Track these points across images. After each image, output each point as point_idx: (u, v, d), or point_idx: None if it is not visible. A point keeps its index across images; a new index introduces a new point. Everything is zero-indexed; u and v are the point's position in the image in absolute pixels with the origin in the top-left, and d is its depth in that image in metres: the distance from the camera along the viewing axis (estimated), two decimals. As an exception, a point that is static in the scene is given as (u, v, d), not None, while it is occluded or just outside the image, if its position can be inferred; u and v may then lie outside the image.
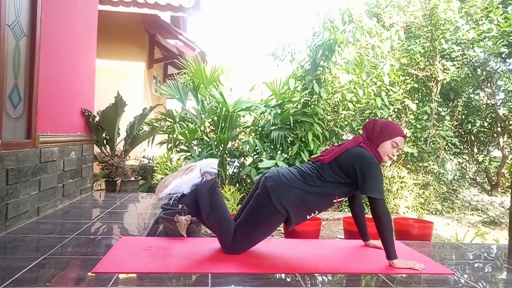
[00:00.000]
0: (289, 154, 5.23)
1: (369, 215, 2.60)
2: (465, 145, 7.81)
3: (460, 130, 7.44)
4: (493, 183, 7.72)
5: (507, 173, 7.53)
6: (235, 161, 5.48)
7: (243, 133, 5.74)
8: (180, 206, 2.91)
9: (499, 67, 6.54)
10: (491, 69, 6.84)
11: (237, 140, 5.59)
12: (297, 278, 1.95)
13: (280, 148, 5.13)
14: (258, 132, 5.39)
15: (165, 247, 2.39)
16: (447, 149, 6.64)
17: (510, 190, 5.36)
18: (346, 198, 2.46)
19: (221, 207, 2.27)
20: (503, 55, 6.66)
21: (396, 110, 6.61)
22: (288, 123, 4.99)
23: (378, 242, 2.60)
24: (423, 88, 6.98)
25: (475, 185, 8.00)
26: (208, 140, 5.22)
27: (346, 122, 5.61)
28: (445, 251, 2.77)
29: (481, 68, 6.86)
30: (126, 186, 4.80)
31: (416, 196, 6.15)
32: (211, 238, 2.99)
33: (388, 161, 2.33)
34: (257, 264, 2.12)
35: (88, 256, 2.16)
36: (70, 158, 3.74)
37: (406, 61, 6.55)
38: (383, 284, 1.95)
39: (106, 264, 1.99)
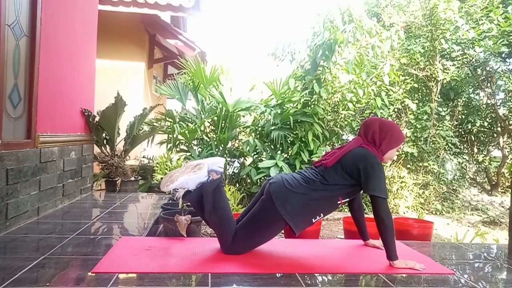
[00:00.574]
0: (289, 154, 5.23)
1: (368, 215, 2.60)
2: (465, 145, 7.81)
3: (460, 130, 7.44)
4: (493, 183, 7.72)
5: (507, 173, 7.53)
6: (235, 161, 5.48)
7: (243, 133, 5.74)
8: (180, 206, 2.91)
9: (499, 67, 6.54)
10: (491, 69, 6.84)
11: (237, 140, 5.60)
12: (297, 278, 1.95)
13: (280, 148, 5.13)
14: (258, 132, 5.39)
15: (165, 247, 2.39)
16: (447, 149, 6.64)
17: (510, 190, 5.36)
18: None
19: (224, 207, 2.29)
20: (503, 55, 6.66)
21: (396, 110, 6.61)
22: (288, 123, 4.99)
23: (378, 242, 2.60)
24: (423, 88, 6.98)
25: (475, 185, 8.00)
26: (208, 140, 5.23)
27: (346, 122, 5.61)
28: (445, 251, 2.77)
29: (481, 68, 6.86)
30: (126, 186, 4.80)
31: (416, 196, 6.16)
32: (211, 238, 2.99)
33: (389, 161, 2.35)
34: (257, 264, 2.12)
35: (88, 256, 2.16)
36: (70, 158, 3.74)
37: (406, 61, 6.55)
38: (383, 284, 1.95)
39: (106, 264, 1.99)
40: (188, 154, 5.10)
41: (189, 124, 5.11)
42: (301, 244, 2.63)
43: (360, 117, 5.98)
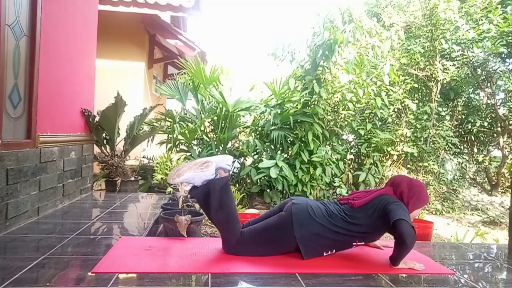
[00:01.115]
0: (289, 154, 5.23)
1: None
2: (465, 145, 7.81)
3: (460, 130, 7.44)
4: (493, 183, 7.72)
5: (507, 173, 7.53)
6: (235, 161, 5.48)
7: (243, 133, 5.73)
8: (180, 206, 2.91)
9: (499, 67, 6.54)
10: (491, 69, 6.84)
11: (237, 140, 5.59)
12: (297, 278, 1.95)
13: (280, 148, 5.13)
14: (258, 132, 5.39)
15: (165, 247, 2.39)
16: (447, 149, 6.64)
17: (510, 190, 5.36)
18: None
19: (230, 206, 2.30)
20: (503, 55, 6.66)
21: (396, 110, 6.61)
22: (288, 123, 4.99)
23: (378, 242, 2.60)
24: (423, 88, 6.98)
25: (475, 185, 8.00)
26: (208, 140, 5.23)
27: (346, 122, 5.61)
28: (445, 251, 2.77)
29: (481, 68, 6.85)
30: (126, 186, 4.80)
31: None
32: (211, 238, 2.99)
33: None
34: (257, 264, 2.12)
35: (88, 256, 2.16)
36: (70, 158, 3.74)
37: (406, 61, 6.55)
38: (383, 284, 1.95)
39: (106, 264, 1.99)
40: (188, 154, 5.10)
41: (189, 124, 5.11)
42: (301, 244, 2.62)
43: (360, 117, 5.98)
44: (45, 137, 3.16)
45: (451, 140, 6.59)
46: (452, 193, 6.72)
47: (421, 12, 6.71)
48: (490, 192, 7.64)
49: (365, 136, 5.69)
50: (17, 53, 2.77)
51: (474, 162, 7.79)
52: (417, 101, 6.76)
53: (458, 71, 6.69)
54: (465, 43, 6.43)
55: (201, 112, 5.27)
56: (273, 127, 5.04)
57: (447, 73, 6.49)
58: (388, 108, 5.85)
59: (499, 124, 7.27)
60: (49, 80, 3.25)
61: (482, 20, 6.26)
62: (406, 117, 6.71)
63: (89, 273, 1.87)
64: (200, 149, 5.22)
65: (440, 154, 6.52)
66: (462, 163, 7.39)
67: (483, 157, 7.73)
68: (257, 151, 5.14)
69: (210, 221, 3.34)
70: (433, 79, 6.59)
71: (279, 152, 5.02)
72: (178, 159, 4.72)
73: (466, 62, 6.71)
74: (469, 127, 7.34)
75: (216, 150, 5.05)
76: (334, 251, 2.30)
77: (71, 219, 3.12)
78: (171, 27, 7.27)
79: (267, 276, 1.96)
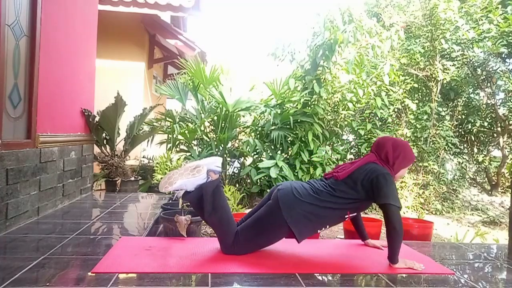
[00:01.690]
0: (289, 154, 5.23)
1: (368, 215, 2.60)
2: (465, 145, 7.80)
3: (460, 130, 7.44)
4: (493, 183, 7.72)
5: (507, 173, 7.53)
6: (235, 161, 5.48)
7: (243, 133, 5.73)
8: (180, 205, 2.91)
9: (499, 67, 6.54)
10: (491, 69, 6.84)
11: (237, 140, 5.59)
12: (297, 278, 1.95)
13: (280, 148, 5.13)
14: (258, 132, 5.38)
15: (165, 247, 2.39)
16: (447, 149, 6.64)
17: (510, 190, 5.36)
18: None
19: (224, 207, 2.30)
20: (503, 55, 6.66)
21: (396, 110, 6.61)
22: (288, 123, 4.99)
23: (378, 242, 2.60)
24: (423, 88, 6.98)
25: (475, 185, 8.00)
26: (208, 140, 5.22)
27: (346, 122, 5.60)
28: (445, 251, 2.77)
29: (481, 68, 6.85)
30: (126, 186, 4.80)
31: (416, 196, 6.15)
32: (211, 238, 2.99)
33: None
34: (257, 264, 2.12)
35: (88, 256, 2.16)
36: (70, 158, 3.74)
37: (406, 61, 6.55)
38: (383, 284, 1.95)
39: (106, 264, 1.99)
40: (188, 154, 5.10)
41: (189, 124, 5.11)
42: (301, 244, 2.62)
43: (360, 117, 5.98)
44: (45, 137, 3.16)
45: (451, 140, 6.59)
46: (452, 193, 6.72)
47: (421, 12, 6.70)
48: (490, 192, 7.64)
49: (365, 136, 5.69)
50: (17, 53, 2.77)
51: (474, 162, 7.79)
52: (417, 101, 6.76)
53: (458, 71, 6.69)
54: (465, 43, 6.43)
55: (201, 112, 5.27)
56: (273, 127, 5.04)
57: (447, 73, 6.48)
58: (388, 108, 5.85)
59: (499, 124, 7.26)
60: (49, 80, 3.25)
61: (482, 20, 6.26)
62: (406, 117, 6.71)
63: (89, 273, 1.87)
64: (200, 149, 5.22)
65: (440, 154, 6.52)
66: (462, 163, 7.39)
67: (483, 157, 7.72)
68: (257, 151, 5.14)
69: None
70: (433, 79, 6.58)
71: (279, 152, 5.02)
72: (178, 159, 4.73)
73: (466, 62, 6.71)
74: (469, 127, 7.34)
75: (216, 150, 5.05)
76: (327, 226, 2.28)
77: (71, 219, 3.12)
78: (171, 27, 7.27)
79: (267, 276, 1.96)
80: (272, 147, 5.14)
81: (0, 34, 2.49)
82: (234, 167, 5.48)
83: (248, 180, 5.25)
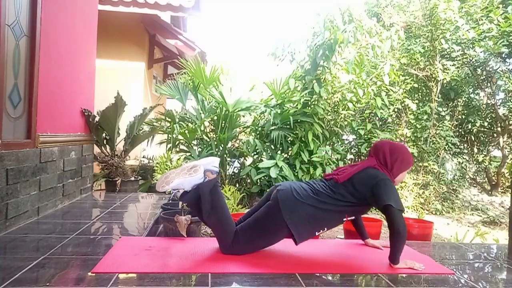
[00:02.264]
0: (289, 154, 5.23)
1: (367, 215, 2.60)
2: (465, 145, 7.80)
3: (460, 130, 7.44)
4: (493, 183, 7.72)
5: (507, 173, 7.53)
6: (235, 161, 5.48)
7: (243, 133, 5.73)
8: (180, 205, 2.91)
9: (499, 67, 6.54)
10: (491, 69, 6.84)
11: (237, 140, 5.59)
12: (297, 278, 1.95)
13: (280, 148, 5.13)
14: (258, 132, 5.38)
15: (165, 247, 2.39)
16: (447, 149, 6.64)
17: (510, 190, 5.36)
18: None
19: (222, 207, 2.29)
20: (503, 55, 6.65)
21: (396, 110, 6.61)
22: (288, 123, 4.99)
23: (378, 242, 2.60)
24: (423, 88, 6.98)
25: (475, 185, 8.00)
26: (208, 140, 5.22)
27: (346, 122, 5.61)
28: (445, 251, 2.77)
29: (481, 68, 6.85)
30: (126, 186, 4.80)
31: (416, 196, 6.15)
32: (211, 238, 2.99)
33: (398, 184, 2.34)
34: (257, 264, 2.12)
35: (88, 256, 2.16)
36: (70, 158, 3.74)
37: (406, 61, 6.55)
38: (383, 284, 1.95)
39: (106, 264, 1.99)
40: (188, 154, 5.10)
41: (189, 124, 5.11)
42: (301, 244, 2.62)
43: (360, 117, 5.98)
44: (45, 137, 3.16)
45: (451, 140, 6.59)
46: (452, 193, 6.72)
47: (421, 12, 6.70)
48: (490, 192, 7.64)
49: (365, 136, 5.69)
50: (17, 53, 2.77)
51: (474, 162, 7.79)
52: (417, 101, 6.76)
53: (458, 71, 6.69)
54: (465, 43, 6.43)
55: (201, 112, 5.27)
56: (273, 127, 5.04)
57: (447, 73, 6.49)
58: (388, 108, 5.85)
59: (499, 124, 7.27)
60: (49, 80, 3.25)
61: (482, 20, 6.26)
62: (406, 117, 6.71)
63: (89, 273, 1.87)
64: (200, 149, 5.22)
65: (440, 154, 6.52)
66: (462, 163, 7.39)
67: (483, 157, 7.72)
68: (257, 151, 5.14)
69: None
70: (433, 79, 6.59)
71: (279, 152, 5.02)
72: (178, 159, 4.73)
73: (466, 62, 6.71)
74: (469, 127, 7.34)
75: (216, 150, 5.05)
76: (325, 229, 2.28)
77: (71, 219, 3.12)
78: (171, 27, 7.27)
79: (267, 276, 1.96)
80: (272, 147, 5.14)
81: (0, 34, 2.49)
82: (234, 167, 5.48)
83: (248, 180, 5.25)
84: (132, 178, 4.91)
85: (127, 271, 1.94)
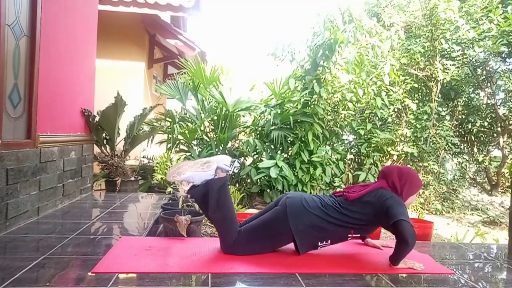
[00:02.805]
0: (289, 154, 5.23)
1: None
2: (465, 145, 7.80)
3: (460, 130, 7.44)
4: (493, 183, 7.72)
5: (507, 173, 7.53)
6: (235, 161, 5.48)
7: (243, 133, 5.73)
8: (180, 206, 2.91)
9: (499, 66, 6.54)
10: (491, 69, 6.84)
11: (237, 140, 5.59)
12: (297, 278, 1.95)
13: (280, 148, 5.13)
14: (258, 132, 5.38)
15: (165, 247, 2.39)
16: (447, 149, 6.64)
17: (510, 190, 5.36)
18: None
19: (228, 206, 2.31)
20: (503, 55, 6.65)
21: (396, 110, 6.61)
22: (288, 123, 4.99)
23: (378, 242, 2.60)
24: (423, 88, 6.98)
25: (475, 185, 8.00)
26: (208, 140, 5.23)
27: (346, 122, 5.61)
28: (445, 251, 2.77)
29: (481, 67, 6.85)
30: (126, 186, 4.80)
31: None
32: (211, 238, 2.99)
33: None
34: (257, 264, 2.12)
35: (88, 256, 2.16)
36: (70, 158, 3.74)
37: (406, 61, 6.55)
38: (383, 284, 1.95)
39: (106, 264, 1.99)
40: (188, 154, 5.10)
41: (189, 124, 5.11)
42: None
43: (360, 117, 5.98)
44: (45, 137, 3.16)
45: (451, 140, 6.59)
46: (452, 193, 6.72)
47: (421, 12, 6.70)
48: (490, 192, 7.64)
49: (365, 136, 5.69)
50: (17, 53, 2.77)
51: (474, 162, 7.79)
52: (417, 101, 6.76)
53: (458, 71, 6.69)
54: (465, 43, 6.43)
55: (201, 112, 5.27)
56: (273, 127, 5.04)
57: (447, 73, 6.48)
58: (388, 108, 5.85)
59: (499, 124, 7.26)
60: (49, 80, 3.25)
61: (482, 19, 6.26)
62: (406, 117, 6.71)
63: (89, 273, 1.87)
64: (200, 149, 5.22)
65: (440, 154, 6.52)
66: (462, 163, 7.39)
67: (483, 157, 7.72)
68: (257, 151, 5.14)
69: (209, 221, 3.34)
70: (433, 79, 6.58)
71: (279, 152, 5.02)
72: (178, 159, 4.73)
73: (466, 62, 6.71)
74: (469, 127, 7.34)
75: (216, 150, 5.05)
76: (329, 242, 2.29)
77: (71, 219, 3.12)
78: (171, 27, 7.27)
79: (267, 276, 1.96)
80: (272, 147, 5.14)
81: (0, 34, 2.49)
82: (234, 167, 5.48)
83: (248, 180, 5.25)
84: (132, 178, 4.91)
85: (127, 271, 1.94)
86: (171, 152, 4.85)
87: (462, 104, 7.12)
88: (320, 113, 4.94)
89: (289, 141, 5.19)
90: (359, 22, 4.87)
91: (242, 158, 5.43)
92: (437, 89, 6.63)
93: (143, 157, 6.06)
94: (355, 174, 5.61)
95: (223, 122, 5.12)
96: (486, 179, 7.99)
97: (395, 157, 6.21)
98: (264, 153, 5.10)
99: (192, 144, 5.20)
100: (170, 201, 3.60)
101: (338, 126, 5.53)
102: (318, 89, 4.77)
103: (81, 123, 4.17)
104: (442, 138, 6.48)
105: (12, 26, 2.69)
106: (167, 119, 5.33)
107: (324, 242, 2.28)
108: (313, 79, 4.84)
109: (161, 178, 4.46)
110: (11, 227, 2.64)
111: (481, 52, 6.47)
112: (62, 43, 3.56)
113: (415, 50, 6.50)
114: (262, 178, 4.92)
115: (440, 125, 6.58)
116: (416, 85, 6.77)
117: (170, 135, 4.94)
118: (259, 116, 5.46)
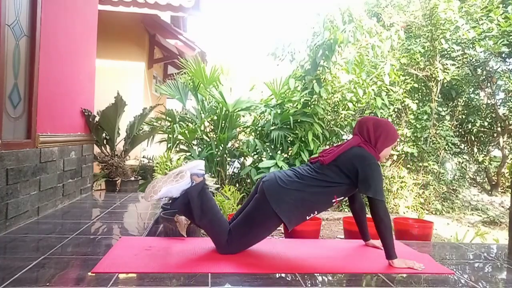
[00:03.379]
0: (289, 154, 5.23)
1: (369, 215, 2.60)
2: (465, 145, 7.81)
3: (460, 130, 7.44)
4: (493, 183, 7.72)
5: (507, 173, 7.53)
6: (235, 161, 5.48)
7: (243, 133, 5.74)
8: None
9: (499, 66, 6.54)
10: (491, 69, 6.84)
11: (237, 140, 5.59)
12: (297, 278, 1.95)
13: (280, 148, 5.13)
14: (258, 132, 5.39)
15: (165, 247, 2.39)
16: (447, 149, 6.64)
17: (510, 190, 5.36)
18: (346, 198, 2.47)
19: (212, 209, 2.28)
20: (503, 55, 6.66)
21: (396, 110, 6.61)
22: (288, 123, 4.99)
23: (378, 242, 2.59)
24: (423, 88, 6.98)
25: (475, 185, 8.00)
26: (208, 140, 5.23)
27: (346, 122, 5.61)
28: (445, 251, 2.77)
29: (481, 67, 6.85)
30: (126, 186, 4.80)
31: (416, 196, 6.16)
32: (211, 238, 2.99)
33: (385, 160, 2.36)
34: (257, 264, 2.12)
35: (88, 256, 2.16)
36: (70, 158, 3.74)
37: (406, 61, 6.55)
38: (383, 284, 1.95)
39: (106, 264, 1.99)
40: (188, 154, 5.10)
41: (189, 124, 5.11)
42: (301, 244, 2.63)
43: (360, 116, 5.98)
44: (45, 137, 3.16)
45: (451, 140, 6.60)
46: (452, 193, 6.72)
47: (421, 12, 6.71)
48: (490, 192, 7.64)
49: (365, 136, 5.68)
50: (17, 53, 2.77)
51: (474, 162, 7.79)
52: (417, 101, 6.76)
53: (458, 71, 6.69)
54: (465, 43, 6.43)
55: (201, 112, 5.27)
56: (273, 127, 5.04)
57: (447, 73, 6.49)
58: (388, 108, 5.85)
59: (499, 124, 7.27)
60: (49, 80, 3.25)
61: (482, 19, 6.26)
62: (406, 117, 6.71)
63: (89, 273, 1.87)
64: (200, 149, 5.22)
65: (440, 154, 6.52)
66: (462, 163, 7.39)
67: (483, 157, 7.73)
68: (257, 151, 5.15)
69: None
70: (433, 79, 6.59)
71: (279, 152, 5.02)
72: (178, 159, 4.72)
73: (466, 62, 6.71)
74: (469, 127, 7.35)
75: (216, 150, 5.05)
76: (316, 212, 2.26)
77: (71, 219, 3.12)
78: (171, 27, 7.27)
79: (267, 276, 1.96)
80: (272, 147, 5.14)
81: (0, 34, 2.49)
82: (234, 167, 5.48)
83: (248, 180, 5.25)
84: (132, 178, 4.91)
85: (127, 271, 1.94)
86: (171, 152, 4.84)
87: (462, 104, 7.12)
88: (320, 113, 4.94)
89: (289, 141, 5.19)
90: (359, 22, 4.87)
91: (242, 158, 5.43)
92: (437, 89, 6.63)
93: (143, 157, 6.05)
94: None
95: (223, 122, 5.12)
96: (486, 179, 7.99)
97: (395, 157, 6.22)
98: (264, 153, 5.10)
99: (192, 144, 5.20)
100: (170, 201, 3.60)
101: (338, 126, 5.53)
102: (318, 89, 4.77)
103: (81, 123, 4.17)
104: (442, 138, 6.48)
105: (12, 26, 2.69)
106: (167, 119, 5.33)
107: (311, 213, 2.25)
108: (313, 79, 4.84)
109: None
110: (11, 227, 2.64)
111: (481, 52, 6.47)
112: (62, 43, 3.56)
113: (415, 50, 6.50)
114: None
115: (440, 125, 6.58)
116: (416, 85, 6.77)
117: (170, 135, 4.94)
118: (259, 116, 5.46)
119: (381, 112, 5.56)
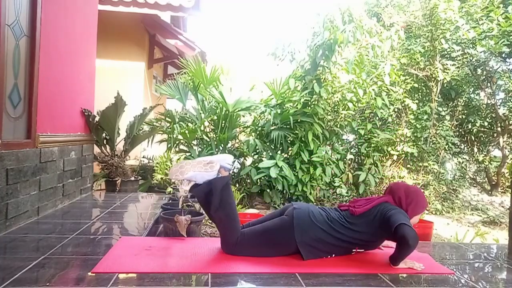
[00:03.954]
0: (289, 154, 5.23)
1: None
2: (465, 145, 7.80)
3: (460, 130, 7.43)
4: (493, 183, 7.72)
5: (507, 173, 7.52)
6: (235, 161, 5.48)
7: (243, 133, 5.74)
8: (180, 206, 2.91)
9: (499, 66, 6.53)
10: (491, 69, 6.83)
11: (237, 140, 5.59)
12: (297, 278, 1.95)
13: (280, 148, 5.13)
14: (258, 132, 5.39)
15: (165, 247, 2.39)
16: (447, 149, 6.64)
17: (510, 190, 5.36)
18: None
19: (231, 205, 2.31)
20: (503, 55, 6.65)
21: (396, 110, 6.61)
22: (288, 123, 4.99)
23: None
24: (423, 88, 6.98)
25: (475, 185, 8.00)
26: (208, 140, 5.22)
27: (346, 122, 5.61)
28: (445, 251, 2.77)
29: (481, 67, 6.85)
30: (126, 186, 4.80)
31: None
32: (211, 238, 2.99)
33: None
34: (257, 264, 2.12)
35: (88, 256, 2.16)
36: (70, 158, 3.74)
37: (406, 61, 6.55)
38: (383, 284, 1.95)
39: (106, 264, 1.99)
40: (188, 154, 5.10)
41: (189, 124, 5.11)
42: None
43: (360, 117, 5.98)
44: (45, 137, 3.16)
45: (451, 140, 6.59)
46: (452, 193, 6.71)
47: (421, 12, 6.70)
48: (490, 192, 7.63)
49: (365, 136, 5.69)
50: (17, 53, 2.77)
51: (474, 162, 7.79)
52: (417, 101, 6.76)
53: (458, 71, 6.69)
54: (466, 43, 6.43)
55: (201, 112, 5.27)
56: (273, 127, 5.04)
57: (447, 73, 6.48)
58: (388, 108, 5.85)
59: (499, 124, 7.26)
60: (49, 80, 3.25)
61: (482, 19, 6.26)
62: (406, 117, 6.71)
63: (89, 273, 1.87)
64: (200, 149, 5.22)
65: (440, 154, 6.51)
66: (462, 163, 7.39)
67: (483, 157, 7.72)
68: (257, 151, 5.15)
69: (210, 221, 3.34)
70: (433, 79, 6.58)
71: (279, 152, 5.02)
72: (178, 159, 4.72)
73: (466, 62, 6.71)
74: (469, 127, 7.34)
75: (216, 150, 5.05)
76: (333, 255, 2.31)
77: (71, 219, 3.12)
78: (171, 27, 7.27)
79: (267, 276, 1.96)
80: (272, 147, 5.14)
81: (0, 34, 2.49)
82: (234, 167, 5.48)
83: (248, 180, 5.25)
84: (132, 178, 4.91)
85: (127, 271, 1.94)
86: (171, 152, 4.85)
87: (462, 104, 7.11)
88: (320, 113, 4.94)
89: (289, 141, 5.19)
90: (359, 22, 4.87)
91: (242, 158, 5.43)
92: (437, 89, 6.63)
93: (143, 157, 6.06)
94: (355, 174, 5.62)
95: (223, 122, 5.12)
96: (486, 179, 7.99)
97: (395, 157, 6.22)
98: (264, 153, 5.10)
99: (192, 144, 5.20)
100: (170, 201, 3.60)
101: (338, 126, 5.53)
102: (318, 89, 4.77)
103: (81, 123, 4.17)
104: (442, 138, 6.48)
105: (12, 26, 2.69)
106: (167, 119, 5.33)
107: (328, 256, 2.29)
108: (313, 79, 4.84)
109: (161, 178, 4.46)
110: (11, 227, 2.64)
111: (481, 52, 6.46)
112: (62, 43, 3.56)
113: (415, 50, 6.50)
114: (262, 178, 4.93)
115: (440, 125, 6.58)
116: (416, 85, 6.77)
117: (170, 135, 4.94)
118: (259, 116, 5.46)
119: (381, 112, 5.56)
